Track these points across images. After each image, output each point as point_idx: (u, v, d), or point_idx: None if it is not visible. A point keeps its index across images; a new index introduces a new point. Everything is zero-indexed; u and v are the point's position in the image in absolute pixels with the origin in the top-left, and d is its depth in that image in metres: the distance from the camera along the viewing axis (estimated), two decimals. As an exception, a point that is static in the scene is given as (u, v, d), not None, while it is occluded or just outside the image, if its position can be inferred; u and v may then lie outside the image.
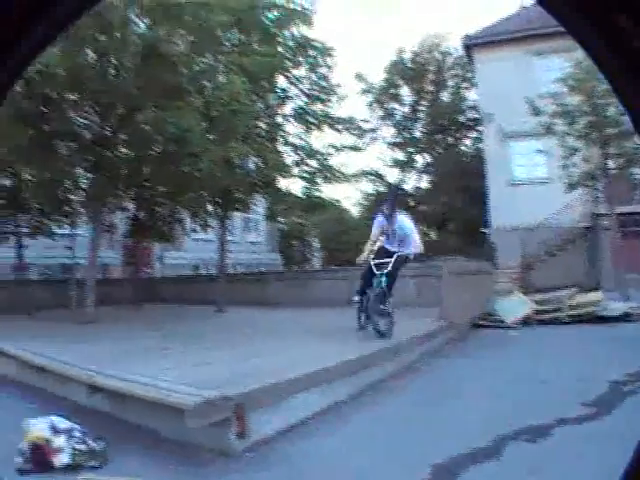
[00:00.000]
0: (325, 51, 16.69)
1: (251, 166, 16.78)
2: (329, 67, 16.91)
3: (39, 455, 4.64)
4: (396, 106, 39.75)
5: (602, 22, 1.00)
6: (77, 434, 4.82)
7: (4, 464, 4.66)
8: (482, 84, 26.96)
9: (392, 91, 39.09)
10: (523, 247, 22.12)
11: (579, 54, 12.85)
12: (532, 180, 24.98)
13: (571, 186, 18.08)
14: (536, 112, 17.54)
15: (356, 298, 9.75)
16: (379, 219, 9.50)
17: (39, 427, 4.79)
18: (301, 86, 16.80)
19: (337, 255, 38.05)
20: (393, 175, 40.54)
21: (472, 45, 26.91)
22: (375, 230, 9.54)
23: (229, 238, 18.39)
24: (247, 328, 11.53)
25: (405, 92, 39.82)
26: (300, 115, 16.92)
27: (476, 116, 34.03)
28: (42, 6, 1.03)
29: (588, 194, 20.45)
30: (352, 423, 5.80)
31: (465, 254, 18.99)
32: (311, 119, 16.84)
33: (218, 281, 17.02)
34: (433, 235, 41.46)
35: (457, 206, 34.66)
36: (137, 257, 20.50)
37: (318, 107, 16.96)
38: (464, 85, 37.92)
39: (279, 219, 24.97)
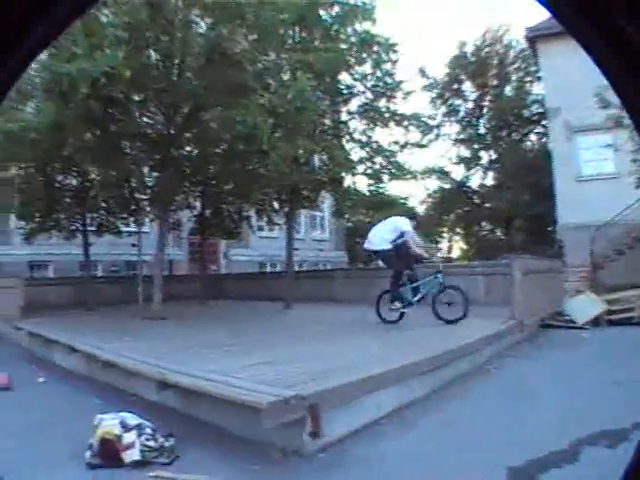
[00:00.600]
0: (389, 47, 16.35)
1: (317, 163, 16.65)
2: (394, 62, 16.57)
3: (109, 450, 4.59)
4: (459, 102, 38.97)
5: (602, 22, 1.02)
6: (147, 430, 4.77)
7: (74, 458, 4.65)
8: (547, 77, 26.07)
9: (455, 86, 38.34)
10: (592, 245, 21.06)
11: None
12: (600, 176, 23.79)
13: (642, 181, 17.29)
14: (605, 105, 16.72)
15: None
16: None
17: (109, 423, 4.75)
18: (366, 82, 16.53)
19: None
20: (459, 172, 39.83)
21: (536, 37, 25.69)
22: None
23: (295, 236, 18.23)
24: (318, 325, 11.33)
25: (468, 87, 38.93)
26: (365, 112, 16.66)
27: (541, 110, 33.33)
28: (42, 6, 1.04)
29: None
30: (425, 425, 5.63)
31: (532, 252, 18.51)
32: (376, 115, 16.55)
33: (285, 278, 16.89)
34: (499, 233, 40.63)
35: (523, 203, 33.77)
36: (203, 254, 20.52)
37: (383, 103, 16.64)
38: (528, 79, 36.78)
39: (345, 216, 24.69)
